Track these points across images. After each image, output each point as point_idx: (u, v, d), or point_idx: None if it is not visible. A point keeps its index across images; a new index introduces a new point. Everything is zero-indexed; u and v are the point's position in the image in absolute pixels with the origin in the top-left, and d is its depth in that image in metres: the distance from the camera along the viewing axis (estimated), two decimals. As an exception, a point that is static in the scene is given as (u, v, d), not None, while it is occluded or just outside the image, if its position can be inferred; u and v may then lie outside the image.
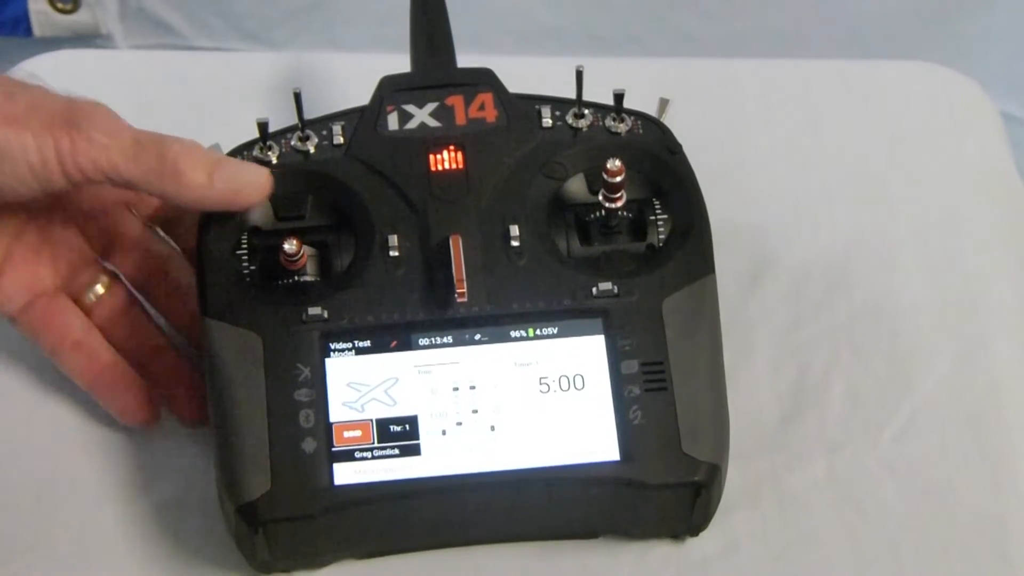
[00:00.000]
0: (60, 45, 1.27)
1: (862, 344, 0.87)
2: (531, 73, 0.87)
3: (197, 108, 0.98)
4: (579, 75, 0.83)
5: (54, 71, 1.02)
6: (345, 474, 0.75)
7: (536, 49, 1.24)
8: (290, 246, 0.79)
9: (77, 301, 0.84)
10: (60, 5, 1.33)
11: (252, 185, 0.79)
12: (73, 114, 0.77)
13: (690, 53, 1.29)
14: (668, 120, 0.85)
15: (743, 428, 0.83)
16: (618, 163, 0.80)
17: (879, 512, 0.81)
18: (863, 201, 0.94)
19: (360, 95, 0.86)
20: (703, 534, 0.79)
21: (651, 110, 0.85)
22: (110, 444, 0.84)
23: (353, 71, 0.98)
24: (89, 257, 0.84)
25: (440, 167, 0.82)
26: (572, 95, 0.85)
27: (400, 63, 0.88)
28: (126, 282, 0.85)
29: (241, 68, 1.05)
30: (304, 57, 1.07)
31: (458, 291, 0.77)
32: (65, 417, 0.84)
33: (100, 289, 0.84)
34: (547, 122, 0.84)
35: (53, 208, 0.83)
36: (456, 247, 0.78)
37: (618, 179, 0.80)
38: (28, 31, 1.34)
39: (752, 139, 0.97)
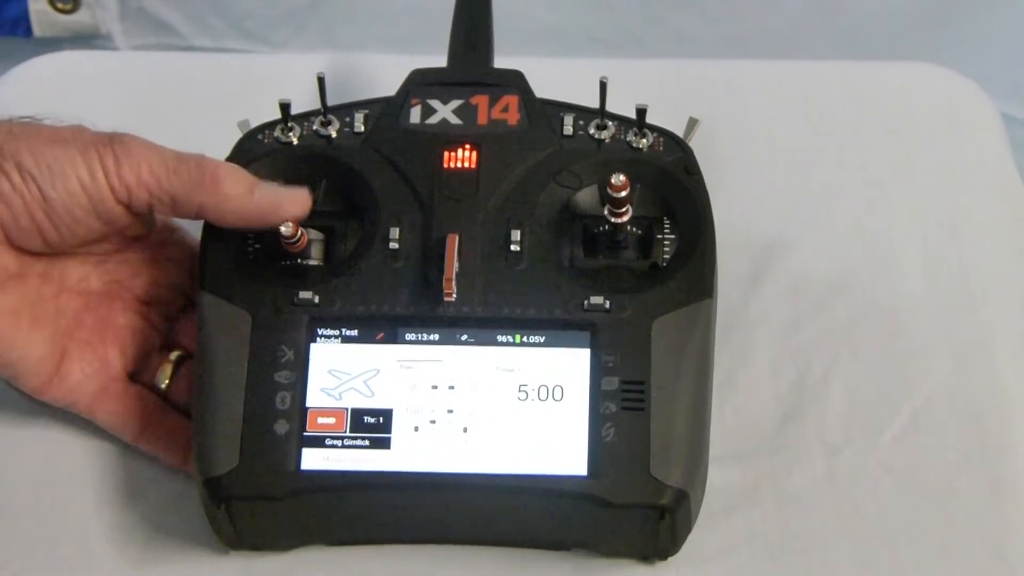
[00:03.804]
0: (60, 45, 1.27)
1: (862, 344, 0.87)
2: (533, 73, 0.87)
3: (197, 108, 0.99)
4: (603, 86, 0.83)
5: (54, 71, 1.03)
6: (313, 460, 0.76)
7: (536, 49, 1.24)
8: (286, 228, 0.79)
9: (152, 387, 0.83)
10: (60, 5, 1.33)
11: (292, 199, 0.80)
12: (115, 135, 0.79)
13: (690, 53, 1.29)
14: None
15: (743, 428, 0.84)
16: (622, 178, 0.79)
17: (879, 512, 0.81)
18: (863, 201, 0.94)
19: (359, 95, 0.86)
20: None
21: (651, 110, 0.84)
22: (110, 446, 0.83)
23: (353, 71, 0.99)
24: (156, 343, 0.85)
25: (453, 165, 0.82)
26: (574, 97, 0.85)
27: (401, 64, 0.88)
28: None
29: (241, 68, 1.05)
30: (304, 57, 1.07)
31: (445, 290, 0.77)
32: (64, 418, 0.84)
33: (168, 371, 0.83)
34: (568, 130, 0.84)
35: (111, 296, 0.84)
36: (451, 246, 0.78)
37: (622, 194, 0.79)
38: (28, 31, 1.34)
39: (752, 139, 0.97)
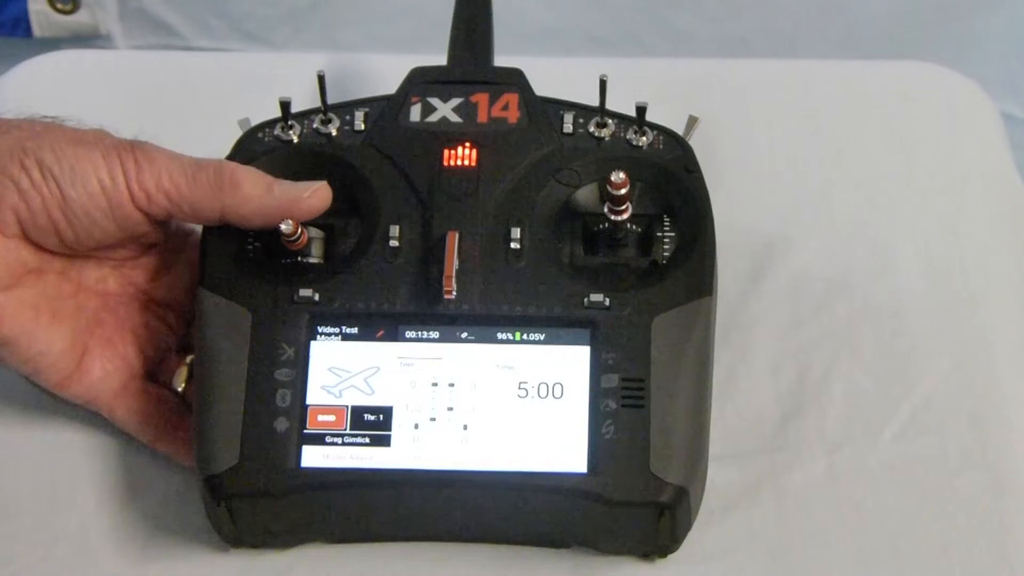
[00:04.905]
0: (60, 45, 1.27)
1: (862, 344, 0.87)
2: (533, 72, 0.87)
3: (197, 108, 0.99)
4: (603, 84, 0.83)
5: (54, 70, 1.03)
6: (313, 457, 0.76)
7: (536, 49, 1.24)
8: (286, 226, 0.79)
9: (168, 388, 0.84)
10: (60, 6, 1.34)
11: (311, 189, 0.80)
12: (136, 142, 0.80)
13: (690, 53, 1.29)
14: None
15: (743, 428, 0.84)
16: (622, 175, 0.79)
17: (879, 512, 0.81)
18: (863, 201, 0.94)
19: (359, 94, 0.86)
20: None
21: (651, 109, 0.84)
22: (109, 445, 0.84)
23: (353, 71, 0.99)
24: (172, 345, 0.85)
25: (453, 163, 0.82)
26: (573, 97, 0.85)
27: (401, 63, 0.88)
28: None
29: (241, 68, 1.05)
30: (304, 56, 1.07)
31: (446, 288, 0.77)
32: (65, 417, 0.84)
33: (184, 374, 0.83)
34: (568, 128, 0.84)
35: (129, 298, 0.84)
36: (451, 243, 0.78)
37: (622, 192, 0.80)
38: (28, 31, 1.35)
39: (752, 139, 0.97)
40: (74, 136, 0.79)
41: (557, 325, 0.78)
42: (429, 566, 0.79)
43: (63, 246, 0.80)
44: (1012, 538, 0.80)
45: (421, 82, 0.85)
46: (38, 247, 0.80)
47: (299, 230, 0.80)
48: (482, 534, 0.79)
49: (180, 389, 0.83)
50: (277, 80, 0.96)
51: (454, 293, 0.78)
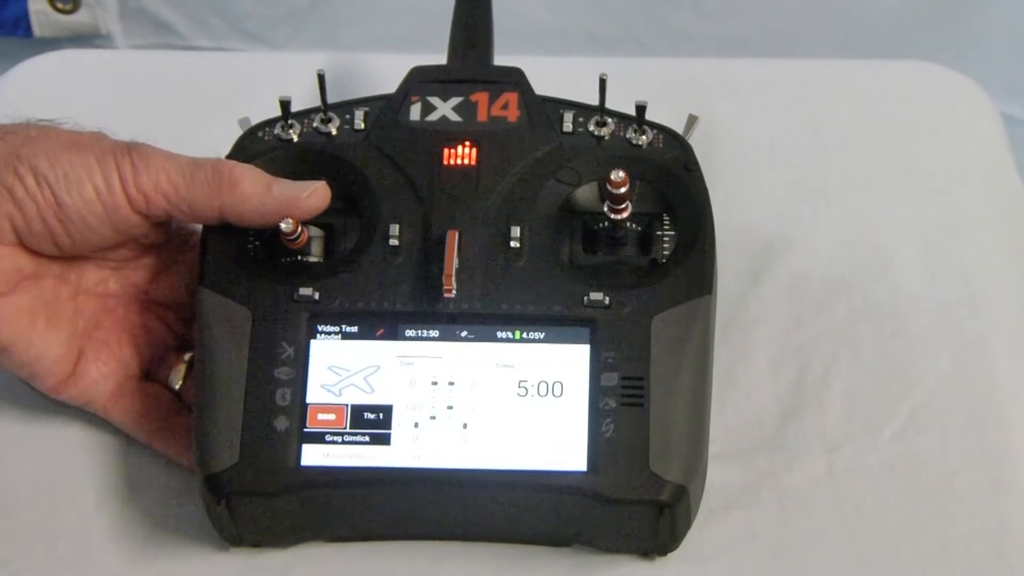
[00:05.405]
0: (60, 45, 1.27)
1: (862, 344, 0.87)
2: (533, 72, 0.87)
3: (197, 108, 0.99)
4: (603, 83, 0.83)
5: (54, 70, 1.03)
6: (313, 456, 0.76)
7: (536, 49, 1.24)
8: (287, 225, 0.79)
9: (166, 386, 0.84)
10: (60, 5, 1.34)
11: (310, 189, 0.80)
12: (132, 144, 0.79)
13: (689, 52, 1.30)
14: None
15: (743, 427, 0.84)
16: (622, 174, 0.79)
17: (879, 512, 0.81)
18: (863, 201, 0.94)
19: (359, 94, 0.86)
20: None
21: (651, 109, 0.84)
22: (109, 443, 0.84)
23: (353, 70, 0.99)
24: (171, 344, 0.85)
25: (453, 162, 0.82)
26: (573, 96, 0.85)
27: (401, 63, 0.88)
28: None
29: (241, 68, 1.05)
30: (304, 56, 1.07)
31: (445, 287, 0.78)
32: (65, 416, 0.84)
33: (182, 372, 0.83)
34: (568, 127, 0.84)
35: (129, 298, 0.84)
36: (451, 242, 0.78)
37: (621, 190, 0.80)
38: (28, 31, 1.35)
39: (752, 139, 0.97)
40: (70, 140, 0.78)
41: (557, 324, 0.78)
42: (429, 565, 0.79)
43: (60, 251, 0.80)
44: (1012, 538, 0.80)
45: (421, 81, 0.85)
46: (35, 253, 0.80)
47: (299, 229, 0.80)
48: (482, 533, 0.79)
49: (177, 387, 0.83)
50: (277, 80, 0.96)
51: (454, 292, 0.78)
